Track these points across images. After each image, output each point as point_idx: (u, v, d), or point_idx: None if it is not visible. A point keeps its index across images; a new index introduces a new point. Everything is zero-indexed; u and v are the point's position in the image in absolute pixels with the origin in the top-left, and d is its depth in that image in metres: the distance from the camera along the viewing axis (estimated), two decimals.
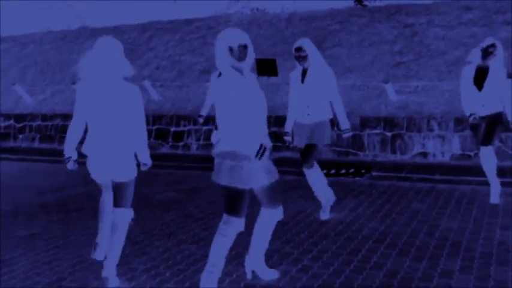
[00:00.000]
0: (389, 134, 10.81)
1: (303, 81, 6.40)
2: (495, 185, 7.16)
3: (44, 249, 5.69)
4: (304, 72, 6.42)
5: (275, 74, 11.71)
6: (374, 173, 9.47)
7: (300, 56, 6.31)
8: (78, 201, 8.00)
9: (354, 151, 10.98)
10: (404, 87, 11.58)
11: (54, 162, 11.98)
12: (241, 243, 5.76)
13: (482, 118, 7.02)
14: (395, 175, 9.29)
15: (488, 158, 7.06)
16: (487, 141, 7.01)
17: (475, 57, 7.05)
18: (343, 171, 9.17)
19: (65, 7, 21.38)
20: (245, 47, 4.21)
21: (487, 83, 6.90)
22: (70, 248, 5.69)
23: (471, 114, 7.00)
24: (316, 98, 6.34)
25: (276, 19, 15.03)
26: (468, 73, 7.09)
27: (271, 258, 5.22)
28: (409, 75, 11.95)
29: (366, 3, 18.54)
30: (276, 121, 11.78)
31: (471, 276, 4.65)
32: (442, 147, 10.22)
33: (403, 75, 11.96)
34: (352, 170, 9.31)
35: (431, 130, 10.49)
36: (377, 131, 10.92)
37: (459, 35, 12.24)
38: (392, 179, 8.98)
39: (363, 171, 9.36)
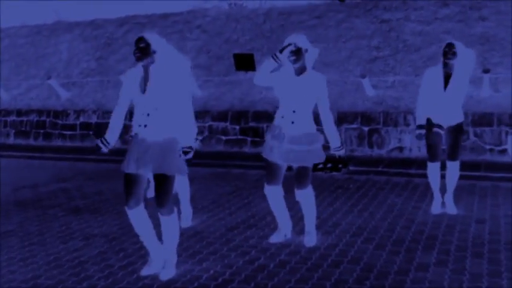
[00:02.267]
0: (366, 128, 10.87)
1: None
2: (446, 197, 6.67)
3: (19, 246, 5.63)
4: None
5: (253, 68, 11.71)
6: (351, 168, 9.52)
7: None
8: (54, 197, 7.93)
9: None
10: (381, 82, 11.65)
11: (30, 158, 11.86)
12: (219, 240, 5.77)
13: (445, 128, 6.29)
14: (372, 170, 9.35)
15: (455, 173, 6.54)
16: (455, 155, 6.45)
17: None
18: (320, 166, 9.20)
19: (40, 1, 21.11)
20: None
21: (449, 88, 6.17)
22: (46, 245, 5.63)
23: (433, 125, 6.17)
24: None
25: (253, 14, 15.00)
26: (431, 76, 6.31)
27: (248, 253, 5.22)
28: (386, 70, 12.02)
29: None
30: (254, 116, 11.78)
31: (447, 269, 4.70)
32: (418, 142, 10.29)
33: (380, 70, 12.03)
34: (329, 165, 9.34)
35: (407, 125, 10.57)
36: (354, 125, 10.97)
37: (435, 30, 12.33)
38: (369, 174, 9.04)
39: (340, 166, 9.40)
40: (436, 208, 6.59)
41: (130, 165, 4.55)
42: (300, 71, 5.21)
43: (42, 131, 14.52)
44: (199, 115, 11.98)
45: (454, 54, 6.09)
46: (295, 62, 5.15)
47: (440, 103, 6.18)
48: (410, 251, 5.19)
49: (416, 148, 10.37)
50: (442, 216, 6.36)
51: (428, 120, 6.31)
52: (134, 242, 5.59)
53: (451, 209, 6.53)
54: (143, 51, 4.44)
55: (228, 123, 12.10)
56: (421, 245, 5.34)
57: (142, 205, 4.62)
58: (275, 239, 5.57)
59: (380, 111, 10.90)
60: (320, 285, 4.42)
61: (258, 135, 11.59)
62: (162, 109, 4.46)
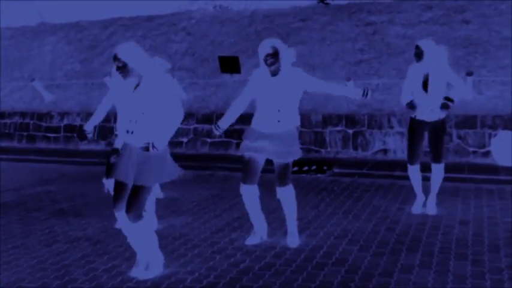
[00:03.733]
0: (350, 131, 10.91)
1: None
2: (428, 198, 6.73)
3: (3, 249, 5.58)
4: None
5: (238, 71, 11.73)
6: (336, 170, 9.55)
7: None
8: (38, 200, 7.87)
9: (316, 148, 11.05)
10: (365, 85, 11.69)
11: (13, 160, 11.77)
12: (204, 243, 5.77)
13: (426, 124, 6.43)
14: (357, 172, 9.39)
15: (439, 175, 6.62)
16: (439, 157, 6.52)
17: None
18: (305, 168, 9.22)
19: (24, 3, 21.00)
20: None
21: (430, 86, 6.29)
22: (29, 248, 5.59)
23: (416, 121, 6.43)
24: None
25: (239, 16, 15.02)
26: (413, 73, 6.45)
27: (233, 256, 5.22)
28: (370, 73, 12.08)
29: (328, 1, 18.64)
30: (239, 119, 11.77)
31: (431, 271, 4.72)
32: (402, 144, 10.35)
33: (365, 73, 12.08)
34: (314, 167, 9.36)
35: (391, 127, 10.62)
36: (339, 128, 11.01)
37: (419, 33, 12.41)
38: (354, 176, 9.07)
39: (325, 168, 9.43)
40: (416, 208, 6.69)
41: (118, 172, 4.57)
42: (276, 72, 5.24)
43: (26, 133, 14.42)
44: (184, 118, 11.95)
45: (419, 55, 6.27)
46: (272, 64, 5.18)
47: (421, 101, 6.36)
48: (394, 252, 5.21)
49: (400, 150, 10.42)
50: (426, 218, 6.40)
51: (411, 119, 6.50)
52: (118, 245, 5.56)
53: (432, 210, 6.59)
54: (123, 70, 4.40)
55: (213, 126, 12.08)
56: (405, 247, 5.36)
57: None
58: (251, 241, 5.58)
59: (364, 113, 10.94)
60: (305, 287, 4.43)
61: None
62: (148, 115, 4.46)
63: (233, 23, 14.82)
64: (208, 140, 12.10)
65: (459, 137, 10.10)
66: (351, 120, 10.95)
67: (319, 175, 9.23)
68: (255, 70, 5.47)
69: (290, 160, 5.32)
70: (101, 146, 13.16)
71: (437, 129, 6.43)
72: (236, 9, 16.30)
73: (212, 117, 12.09)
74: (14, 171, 10.38)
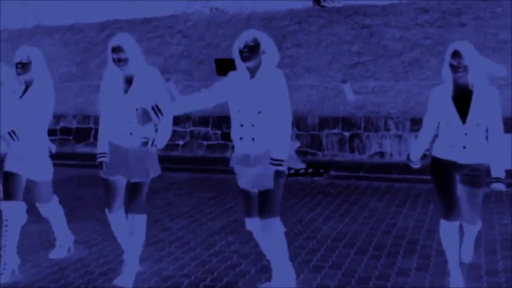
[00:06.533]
0: (347, 133, 10.91)
1: None
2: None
3: None
4: None
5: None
6: (332, 173, 9.54)
7: None
8: (33, 203, 7.82)
9: (312, 151, 11.04)
10: (361, 88, 11.70)
11: None
12: (201, 246, 5.75)
13: (460, 167, 4.28)
14: (353, 174, 9.38)
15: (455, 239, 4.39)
16: (474, 218, 4.53)
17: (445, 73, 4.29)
18: (302, 171, 9.21)
19: (20, 5, 20.96)
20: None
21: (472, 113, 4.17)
22: (24, 251, 5.54)
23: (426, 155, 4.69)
24: None
25: (235, 19, 15.01)
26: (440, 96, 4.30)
27: (229, 259, 5.21)
28: (367, 75, 12.08)
29: (324, 4, 18.67)
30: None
31: (427, 274, 4.72)
32: (398, 147, 10.36)
33: (361, 76, 12.09)
34: (310, 170, 9.35)
35: (388, 130, 10.62)
36: (335, 130, 11.00)
37: (415, 36, 12.43)
38: (350, 179, 9.06)
39: (322, 171, 9.42)
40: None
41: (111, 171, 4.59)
42: (254, 72, 4.05)
43: None
44: (181, 120, 11.94)
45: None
46: (247, 59, 3.98)
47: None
48: (391, 255, 5.21)
49: (396, 153, 10.43)
50: (423, 221, 6.39)
51: None
52: (114, 248, 5.54)
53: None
54: (125, 61, 4.43)
55: (209, 129, 12.08)
56: (402, 250, 5.36)
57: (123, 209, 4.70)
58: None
59: (361, 116, 10.94)
60: None
61: None
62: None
63: (229, 25, 14.81)
64: (205, 142, 12.09)
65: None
66: (347, 122, 10.95)
67: (315, 178, 9.22)
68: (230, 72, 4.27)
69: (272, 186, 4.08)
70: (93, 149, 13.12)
71: (478, 177, 4.35)
72: (232, 12, 16.30)
73: (209, 120, 12.08)
74: None
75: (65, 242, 5.42)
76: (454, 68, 4.17)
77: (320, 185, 8.65)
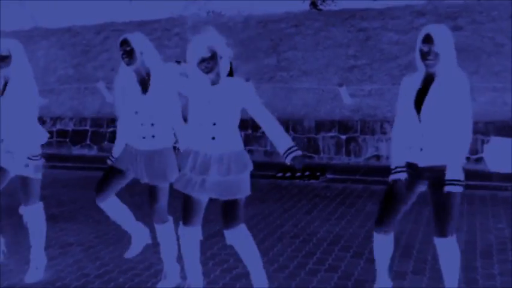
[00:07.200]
0: (343, 137, 10.93)
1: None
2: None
3: None
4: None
5: (231, 76, 11.72)
6: (329, 176, 9.55)
7: None
8: None
9: (309, 154, 11.05)
10: (358, 91, 11.72)
11: None
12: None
13: (420, 171, 4.02)
14: (349, 177, 9.39)
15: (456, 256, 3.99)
16: (444, 229, 3.96)
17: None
18: (298, 174, 9.22)
19: (18, 4, 20.94)
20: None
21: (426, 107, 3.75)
22: (21, 253, 5.54)
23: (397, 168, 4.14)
24: None
25: (232, 22, 15.02)
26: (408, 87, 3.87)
27: (226, 262, 5.21)
28: (363, 78, 12.10)
29: (321, 7, 18.70)
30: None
31: (424, 277, 4.72)
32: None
33: (357, 79, 12.11)
34: (307, 173, 9.36)
35: (384, 133, 10.64)
36: (332, 134, 11.02)
37: (412, 39, 12.41)
38: (346, 182, 9.07)
39: (318, 174, 9.43)
40: None
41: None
42: (216, 80, 3.99)
43: None
44: None
45: None
46: (209, 71, 3.90)
47: None
48: None
49: None
50: (419, 224, 6.40)
51: None
52: (111, 250, 5.54)
53: None
54: (130, 55, 4.28)
55: None
56: (399, 253, 5.36)
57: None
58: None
59: (357, 119, 10.96)
60: None
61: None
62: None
63: (226, 28, 14.81)
64: None
65: None
66: (343, 126, 10.96)
67: (312, 181, 9.23)
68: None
69: (238, 196, 4.17)
70: (94, 151, 13.12)
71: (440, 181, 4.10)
72: (229, 15, 16.30)
73: None
74: None
75: (40, 263, 4.88)
76: (423, 55, 3.67)
77: (316, 188, 8.65)
